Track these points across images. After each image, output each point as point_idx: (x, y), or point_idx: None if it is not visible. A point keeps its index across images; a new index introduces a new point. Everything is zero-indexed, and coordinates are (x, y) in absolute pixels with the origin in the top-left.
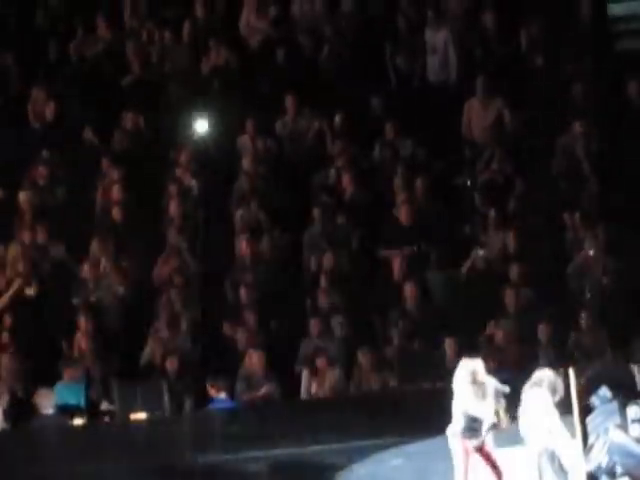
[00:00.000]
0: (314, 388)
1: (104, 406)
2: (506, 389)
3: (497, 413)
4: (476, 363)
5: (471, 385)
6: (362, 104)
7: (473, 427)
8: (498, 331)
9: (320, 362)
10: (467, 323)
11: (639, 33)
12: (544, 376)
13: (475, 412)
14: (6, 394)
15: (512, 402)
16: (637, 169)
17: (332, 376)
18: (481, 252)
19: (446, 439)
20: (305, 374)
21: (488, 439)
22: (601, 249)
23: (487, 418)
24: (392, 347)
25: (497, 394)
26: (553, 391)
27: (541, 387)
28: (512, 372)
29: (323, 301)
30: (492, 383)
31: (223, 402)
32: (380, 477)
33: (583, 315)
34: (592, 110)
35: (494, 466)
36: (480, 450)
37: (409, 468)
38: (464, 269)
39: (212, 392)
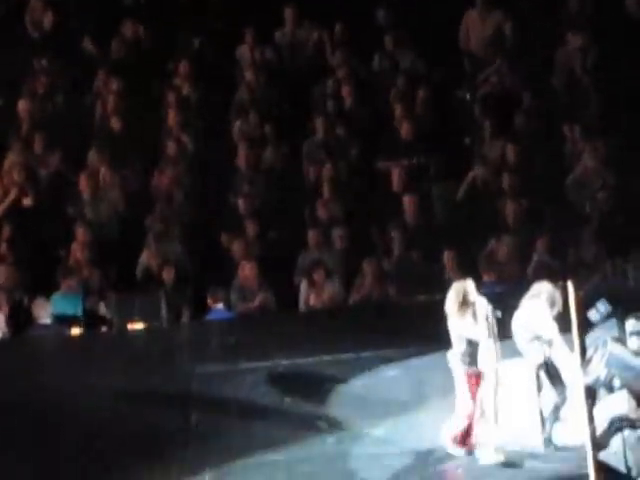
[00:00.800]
0: (312, 300)
1: (102, 310)
2: (498, 314)
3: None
4: (467, 283)
5: (462, 306)
6: (362, 15)
7: (470, 351)
8: (498, 244)
9: (318, 274)
10: (466, 235)
11: None
12: (543, 288)
13: (469, 334)
14: (6, 303)
15: (510, 315)
16: (636, 82)
17: (330, 288)
18: (481, 170)
19: (443, 352)
20: (303, 286)
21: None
22: (601, 162)
23: (482, 339)
24: (391, 259)
25: (488, 316)
26: (552, 303)
27: (540, 299)
28: (511, 285)
29: (322, 212)
30: (484, 303)
31: (221, 313)
32: (376, 389)
33: (582, 228)
34: (590, 23)
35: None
36: (476, 376)
37: (405, 380)
38: (464, 183)
39: (210, 302)
